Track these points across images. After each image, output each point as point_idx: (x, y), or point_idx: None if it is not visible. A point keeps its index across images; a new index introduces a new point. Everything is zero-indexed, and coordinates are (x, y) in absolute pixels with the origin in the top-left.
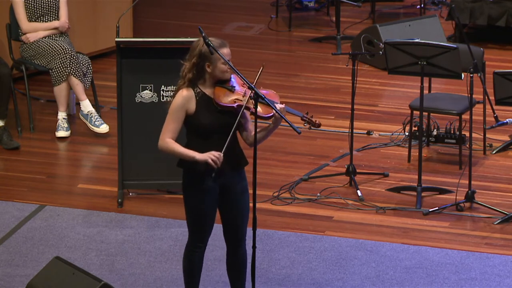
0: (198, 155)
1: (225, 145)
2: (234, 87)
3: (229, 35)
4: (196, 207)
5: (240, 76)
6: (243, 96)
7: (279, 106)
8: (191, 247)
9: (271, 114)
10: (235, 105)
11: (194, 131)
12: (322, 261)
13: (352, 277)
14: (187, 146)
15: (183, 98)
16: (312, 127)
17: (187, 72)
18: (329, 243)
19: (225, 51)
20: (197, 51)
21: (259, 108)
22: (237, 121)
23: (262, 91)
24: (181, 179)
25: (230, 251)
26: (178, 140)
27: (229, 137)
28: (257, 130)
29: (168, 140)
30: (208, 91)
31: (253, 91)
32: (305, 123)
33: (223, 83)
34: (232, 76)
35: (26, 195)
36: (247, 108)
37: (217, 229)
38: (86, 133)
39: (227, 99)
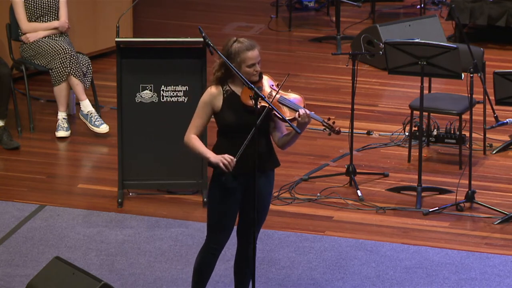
0: (212, 157)
1: (241, 148)
2: (261, 88)
3: (229, 35)
4: (216, 206)
5: (240, 76)
6: (268, 98)
7: (302, 111)
8: (206, 248)
9: (292, 117)
10: (258, 106)
11: (220, 130)
12: (322, 261)
13: (352, 277)
14: (215, 145)
15: (210, 95)
16: (331, 133)
17: (216, 71)
18: (329, 243)
19: (250, 54)
20: (225, 51)
21: (282, 112)
22: (258, 122)
23: (290, 96)
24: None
25: (240, 248)
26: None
27: (248, 138)
28: (284, 134)
29: (192, 137)
30: (237, 89)
31: (254, 91)
32: (324, 129)
33: (254, 83)
34: (265, 78)
35: (26, 195)
36: (269, 109)
37: None
38: (86, 133)
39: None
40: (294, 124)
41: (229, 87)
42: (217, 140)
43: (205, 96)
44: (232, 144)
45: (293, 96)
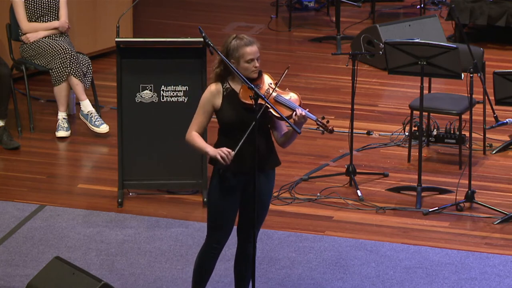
0: (211, 150)
1: (240, 144)
2: (259, 86)
3: (229, 35)
4: (216, 205)
5: (240, 76)
6: (265, 96)
7: (298, 111)
8: (206, 247)
9: (288, 115)
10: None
11: (220, 128)
12: (322, 261)
13: (352, 277)
14: (215, 143)
15: (210, 93)
16: (325, 132)
17: (216, 67)
18: (329, 243)
19: (248, 49)
20: (224, 47)
21: (279, 110)
22: (256, 119)
23: (287, 94)
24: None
25: (240, 247)
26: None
27: (245, 135)
28: (284, 133)
29: (193, 133)
30: (237, 87)
31: (253, 91)
32: (318, 127)
33: (251, 81)
34: (265, 76)
35: (26, 195)
36: (266, 107)
37: None
38: (86, 133)
39: (248, 97)
40: (291, 122)
41: (229, 84)
42: (218, 138)
43: (205, 94)
44: (232, 141)
45: (290, 95)
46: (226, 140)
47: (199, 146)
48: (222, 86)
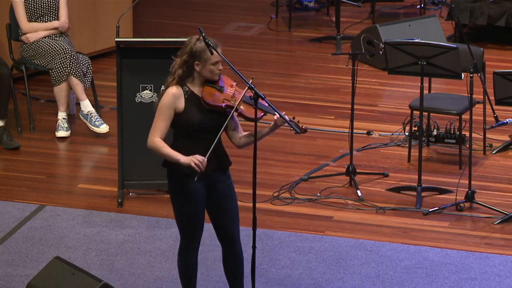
0: (182, 158)
1: (211, 148)
2: (223, 87)
3: (229, 35)
4: (183, 208)
5: (239, 75)
6: (231, 97)
7: (277, 116)
8: (184, 248)
9: (261, 115)
10: (223, 105)
11: (182, 131)
12: (322, 261)
13: (352, 277)
14: (173, 146)
15: (173, 96)
16: (300, 132)
17: (177, 68)
18: (329, 243)
19: (214, 53)
20: (188, 49)
21: (246, 110)
22: (226, 122)
23: (244, 92)
24: (167, 179)
25: (225, 251)
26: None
27: (216, 139)
28: (250, 133)
29: (157, 140)
30: (196, 89)
31: (253, 91)
32: (291, 128)
33: (212, 83)
34: (222, 77)
35: (26, 195)
36: (236, 109)
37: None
38: (86, 133)
39: (216, 99)
40: (277, 120)
41: (188, 87)
42: (175, 141)
43: (167, 98)
44: (195, 144)
45: (245, 90)
46: (189, 143)
47: (168, 154)
48: (182, 89)
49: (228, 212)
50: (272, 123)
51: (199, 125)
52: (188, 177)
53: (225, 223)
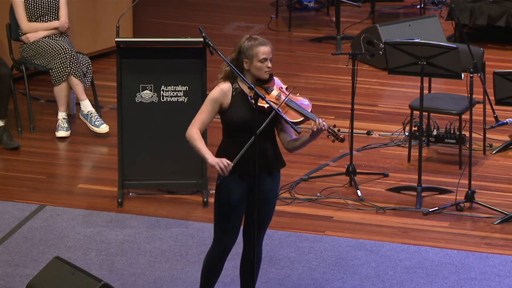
0: (210, 158)
1: (241, 151)
2: (271, 89)
3: (229, 35)
4: (222, 209)
5: (239, 75)
6: (276, 99)
7: (318, 122)
8: (214, 250)
9: (299, 120)
10: (265, 106)
11: (227, 128)
12: (322, 261)
13: (352, 277)
14: (220, 145)
15: (220, 91)
16: (336, 140)
17: (226, 66)
18: (329, 243)
19: (262, 49)
20: (237, 46)
21: (288, 114)
22: (265, 123)
23: (298, 99)
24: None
25: (245, 250)
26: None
27: (248, 142)
28: (294, 137)
29: (194, 131)
30: (246, 88)
31: (253, 91)
32: (329, 135)
33: (263, 83)
34: (275, 79)
35: (26, 195)
36: (276, 111)
37: None
38: (86, 133)
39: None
40: (315, 127)
41: (238, 85)
42: (222, 140)
43: (215, 92)
44: (237, 144)
45: (301, 100)
46: (232, 142)
47: (199, 149)
48: (232, 86)
49: (259, 216)
50: (313, 129)
51: (242, 124)
52: (233, 176)
53: (255, 222)
